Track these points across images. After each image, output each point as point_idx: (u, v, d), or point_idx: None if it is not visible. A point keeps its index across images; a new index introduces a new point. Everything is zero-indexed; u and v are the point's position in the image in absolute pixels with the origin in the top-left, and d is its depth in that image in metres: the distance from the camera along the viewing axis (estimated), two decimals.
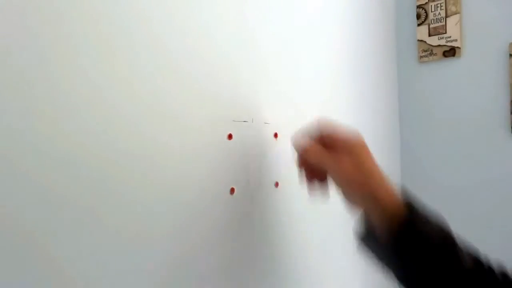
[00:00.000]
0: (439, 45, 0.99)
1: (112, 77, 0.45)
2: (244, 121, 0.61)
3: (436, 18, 0.99)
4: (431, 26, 1.00)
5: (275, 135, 0.67)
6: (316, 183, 0.55)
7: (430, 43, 1.00)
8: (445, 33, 0.98)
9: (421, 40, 1.02)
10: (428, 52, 1.01)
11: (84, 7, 0.43)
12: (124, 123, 0.46)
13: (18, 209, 0.37)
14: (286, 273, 0.69)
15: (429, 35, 1.01)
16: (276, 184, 0.67)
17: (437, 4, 0.99)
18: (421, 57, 1.02)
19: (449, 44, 0.98)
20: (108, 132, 0.44)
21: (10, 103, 0.37)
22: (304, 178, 0.56)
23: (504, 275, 0.44)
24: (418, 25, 1.02)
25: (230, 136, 0.59)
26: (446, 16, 0.98)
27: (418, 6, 1.02)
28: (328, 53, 0.81)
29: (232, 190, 0.59)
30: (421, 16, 1.02)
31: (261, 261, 0.64)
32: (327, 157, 0.51)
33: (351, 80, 0.87)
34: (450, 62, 0.99)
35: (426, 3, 1.01)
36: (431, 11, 1.00)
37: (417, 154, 1.03)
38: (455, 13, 0.97)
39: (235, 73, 0.60)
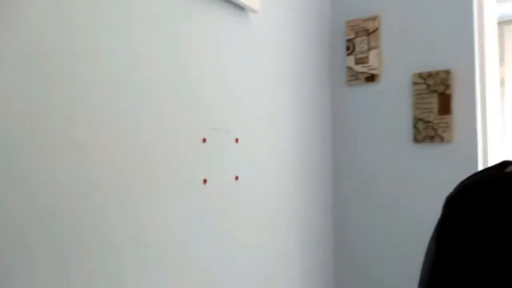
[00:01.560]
0: (363, 72, 1.25)
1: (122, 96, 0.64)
2: (214, 129, 0.82)
3: (361, 51, 1.26)
4: (357, 56, 1.26)
5: (236, 140, 0.88)
6: None
7: (356, 70, 1.26)
8: (368, 62, 1.24)
9: (349, 67, 1.28)
10: (354, 77, 1.27)
11: (88, 49, 0.61)
12: (132, 129, 0.65)
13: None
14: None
15: (356, 64, 1.27)
16: (236, 178, 0.87)
17: (362, 40, 1.25)
18: (348, 80, 1.28)
19: (370, 71, 1.24)
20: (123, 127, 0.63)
21: None
22: None
23: None
24: (347, 55, 1.28)
25: (204, 140, 0.79)
26: (369, 50, 1.24)
27: (348, 40, 1.28)
28: (280, 79, 1.04)
29: (205, 181, 0.79)
30: (350, 48, 1.28)
31: (222, 232, 0.84)
32: None
33: (296, 98, 1.11)
34: (371, 85, 1.25)
35: (353, 38, 1.27)
36: (358, 45, 1.26)
37: (346, 156, 1.28)
38: (375, 48, 1.24)
39: (209, 97, 0.81)
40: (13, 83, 0.49)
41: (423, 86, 1.16)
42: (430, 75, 1.16)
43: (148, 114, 0.67)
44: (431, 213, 1.15)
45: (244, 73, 0.91)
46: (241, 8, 0.90)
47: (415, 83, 1.18)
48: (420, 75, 1.17)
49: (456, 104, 1.13)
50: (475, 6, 1.13)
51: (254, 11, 0.90)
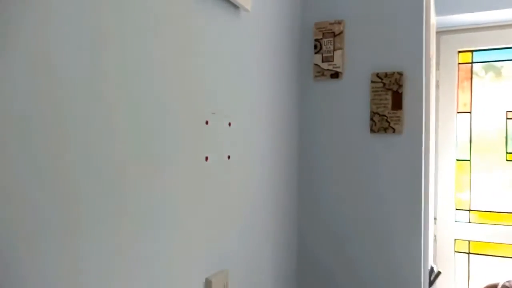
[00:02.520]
0: (328, 69, 1.42)
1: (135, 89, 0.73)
2: (213, 113, 0.93)
3: (327, 50, 1.42)
4: (324, 55, 1.42)
5: (229, 124, 0.99)
6: None
7: (322, 67, 1.42)
8: (333, 61, 1.41)
9: (316, 64, 1.43)
10: (320, 73, 1.43)
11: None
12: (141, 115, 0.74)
13: None
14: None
15: (322, 61, 1.42)
16: (228, 157, 0.99)
17: (328, 41, 1.41)
18: (315, 76, 1.44)
19: (334, 69, 1.41)
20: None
21: None
22: None
23: None
24: (315, 53, 1.44)
25: (207, 122, 0.90)
26: (334, 50, 1.41)
27: (315, 40, 1.43)
28: (262, 72, 1.16)
29: (206, 158, 0.90)
30: (317, 47, 1.43)
31: (218, 201, 0.96)
32: None
33: (272, 90, 1.24)
34: (335, 82, 1.42)
35: (321, 38, 1.43)
36: (324, 45, 1.42)
37: (312, 142, 1.44)
38: (340, 48, 1.40)
39: (211, 86, 0.91)
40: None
41: (380, 85, 1.35)
42: (386, 75, 1.34)
43: (159, 102, 0.77)
44: (383, 187, 1.35)
45: (237, 66, 1.03)
46: (236, 7, 1.01)
47: (373, 82, 1.36)
48: (377, 75, 1.35)
49: (406, 101, 1.33)
50: (424, 18, 1.33)
51: (246, 10, 1.02)
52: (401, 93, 1.33)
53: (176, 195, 0.81)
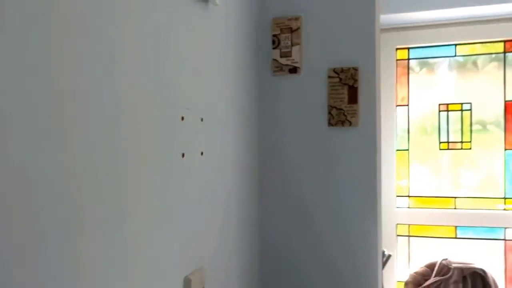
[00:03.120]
0: (286, 64, 1.45)
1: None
2: (188, 109, 0.91)
3: (285, 46, 1.44)
4: (282, 50, 1.45)
5: (201, 119, 0.98)
6: None
7: (281, 62, 1.45)
8: (291, 56, 1.44)
9: (275, 59, 1.46)
10: (279, 68, 1.45)
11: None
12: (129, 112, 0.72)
13: None
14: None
15: (280, 57, 1.45)
16: (201, 153, 0.98)
17: (286, 36, 1.44)
18: (274, 71, 1.46)
19: (293, 64, 1.44)
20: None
21: None
22: None
23: None
24: (273, 48, 1.46)
25: (182, 118, 0.88)
26: (292, 45, 1.44)
27: (273, 35, 1.46)
28: (226, 67, 1.16)
29: (183, 155, 0.88)
30: (275, 42, 1.45)
31: (194, 196, 0.95)
32: None
33: (235, 86, 1.24)
34: (293, 77, 1.45)
35: (279, 34, 1.45)
36: (282, 40, 1.45)
37: (271, 137, 1.46)
38: (297, 44, 1.44)
39: (183, 81, 0.90)
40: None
41: (337, 80, 1.41)
42: (342, 70, 1.40)
43: (136, 99, 0.75)
44: (342, 177, 1.41)
45: (206, 60, 1.01)
46: (205, 0, 0.99)
47: (330, 77, 1.41)
48: (334, 70, 1.41)
49: (361, 95, 1.40)
50: (376, 16, 1.40)
51: (215, 4, 1.01)
52: (357, 88, 1.40)
53: (155, 193, 0.79)
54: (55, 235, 0.55)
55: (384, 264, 1.56)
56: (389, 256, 1.66)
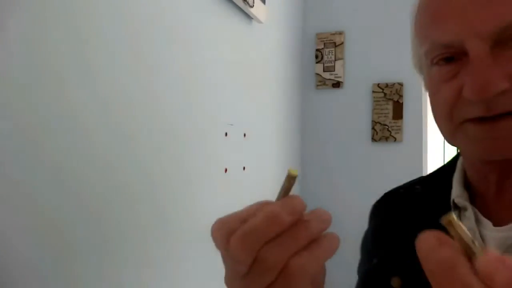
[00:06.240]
0: (329, 79, 1.44)
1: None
2: (231, 125, 0.93)
3: (329, 60, 1.44)
4: (325, 65, 1.45)
5: (244, 135, 1.00)
6: None
7: (324, 77, 1.45)
8: (334, 71, 1.43)
9: (318, 74, 1.46)
10: (322, 83, 1.45)
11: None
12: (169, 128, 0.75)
13: None
14: None
15: (324, 71, 1.45)
16: (244, 168, 1.00)
17: (329, 51, 1.44)
18: (317, 85, 1.46)
19: (336, 79, 1.43)
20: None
21: None
22: None
23: None
24: (316, 63, 1.46)
25: (226, 134, 0.90)
26: (335, 60, 1.43)
27: (317, 50, 1.46)
28: (272, 83, 1.17)
29: (225, 170, 0.90)
30: (319, 57, 1.45)
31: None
32: None
33: (279, 100, 1.25)
34: (336, 91, 1.44)
35: (322, 48, 1.45)
36: (326, 55, 1.44)
37: (313, 151, 1.46)
38: (341, 59, 1.43)
39: (228, 96, 0.92)
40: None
41: (381, 95, 1.38)
42: (387, 85, 1.38)
43: (184, 114, 0.77)
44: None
45: (249, 77, 1.03)
46: (250, 18, 1.02)
47: (374, 92, 1.39)
48: (378, 85, 1.39)
49: (406, 111, 1.37)
50: None
51: (260, 22, 1.03)
52: (402, 103, 1.37)
53: (198, 208, 0.81)
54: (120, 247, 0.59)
55: None
56: None
